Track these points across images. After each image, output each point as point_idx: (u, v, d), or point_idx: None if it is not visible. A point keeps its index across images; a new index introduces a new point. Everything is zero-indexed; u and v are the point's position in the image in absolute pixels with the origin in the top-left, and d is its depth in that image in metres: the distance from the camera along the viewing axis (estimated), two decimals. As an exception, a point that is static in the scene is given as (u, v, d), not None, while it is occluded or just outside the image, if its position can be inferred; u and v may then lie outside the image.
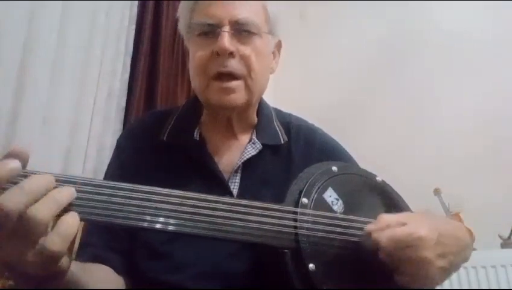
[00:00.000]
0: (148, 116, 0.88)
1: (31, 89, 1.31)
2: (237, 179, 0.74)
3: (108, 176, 0.79)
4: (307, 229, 0.57)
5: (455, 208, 1.79)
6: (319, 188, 0.62)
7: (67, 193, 0.44)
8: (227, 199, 0.55)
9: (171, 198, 0.51)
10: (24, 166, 0.45)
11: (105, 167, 0.82)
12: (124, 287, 0.67)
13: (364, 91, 2.36)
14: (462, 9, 2.29)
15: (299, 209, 0.59)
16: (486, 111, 2.14)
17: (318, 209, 0.60)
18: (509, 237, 1.76)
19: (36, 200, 0.41)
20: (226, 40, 0.68)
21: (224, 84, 0.69)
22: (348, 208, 0.62)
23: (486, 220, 1.68)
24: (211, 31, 0.70)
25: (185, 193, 0.52)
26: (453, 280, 1.64)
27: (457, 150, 2.10)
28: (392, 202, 0.67)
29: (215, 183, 0.72)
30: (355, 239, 0.58)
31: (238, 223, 0.53)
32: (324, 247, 0.57)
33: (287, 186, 0.64)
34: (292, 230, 0.57)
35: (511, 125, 2.10)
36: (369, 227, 0.56)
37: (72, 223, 0.42)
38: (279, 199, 0.63)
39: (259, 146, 0.76)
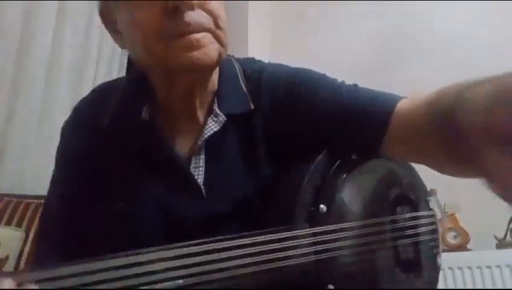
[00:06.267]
0: (94, 94, 0.71)
1: (26, 89, 1.31)
2: (200, 162, 0.60)
3: (54, 179, 0.68)
4: (327, 250, 0.49)
5: (451, 209, 1.80)
6: (337, 187, 0.53)
7: None
8: (222, 243, 0.46)
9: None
10: None
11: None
12: None
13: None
14: (461, 10, 2.30)
15: (316, 229, 0.50)
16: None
17: (336, 214, 0.51)
18: (504, 238, 1.77)
19: None
20: None
21: (190, 36, 0.52)
22: (367, 205, 0.55)
23: (481, 220, 1.69)
24: None
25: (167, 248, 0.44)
26: (448, 280, 1.65)
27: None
28: (411, 185, 0.63)
29: (174, 172, 0.59)
30: (376, 247, 0.53)
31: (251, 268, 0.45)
32: (344, 264, 0.51)
33: (268, 166, 0.57)
34: (312, 257, 0.48)
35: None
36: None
37: None
38: (255, 182, 0.57)
39: (222, 119, 0.60)
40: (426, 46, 2.30)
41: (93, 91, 0.73)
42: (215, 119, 0.60)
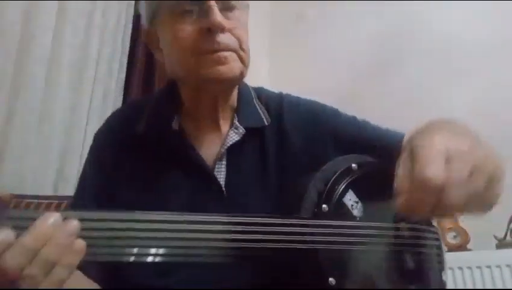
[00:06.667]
0: (126, 107, 0.82)
1: (26, 89, 1.31)
2: (222, 167, 0.70)
3: (85, 174, 0.76)
4: (326, 242, 0.53)
5: (451, 209, 1.80)
6: (339, 191, 0.58)
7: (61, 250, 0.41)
8: (232, 218, 0.49)
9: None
10: (7, 207, 0.43)
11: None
12: None
13: (360, 91, 2.36)
14: (460, 10, 2.30)
15: (316, 221, 0.54)
16: (482, 112, 2.15)
17: (338, 215, 0.56)
18: (504, 238, 1.77)
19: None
20: (218, 15, 0.64)
21: (219, 53, 0.65)
22: (367, 211, 0.59)
23: (481, 220, 1.69)
24: (194, 7, 0.65)
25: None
26: (448, 280, 1.65)
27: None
28: None
29: (199, 174, 0.69)
30: (375, 247, 0.56)
31: (243, 244, 0.48)
32: (344, 259, 0.54)
33: (282, 173, 0.65)
34: (310, 246, 0.52)
35: (506, 126, 2.11)
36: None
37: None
38: (267, 187, 0.64)
39: (242, 131, 0.71)
40: (424, 46, 2.31)
41: (126, 104, 0.89)
42: (236, 131, 0.71)
